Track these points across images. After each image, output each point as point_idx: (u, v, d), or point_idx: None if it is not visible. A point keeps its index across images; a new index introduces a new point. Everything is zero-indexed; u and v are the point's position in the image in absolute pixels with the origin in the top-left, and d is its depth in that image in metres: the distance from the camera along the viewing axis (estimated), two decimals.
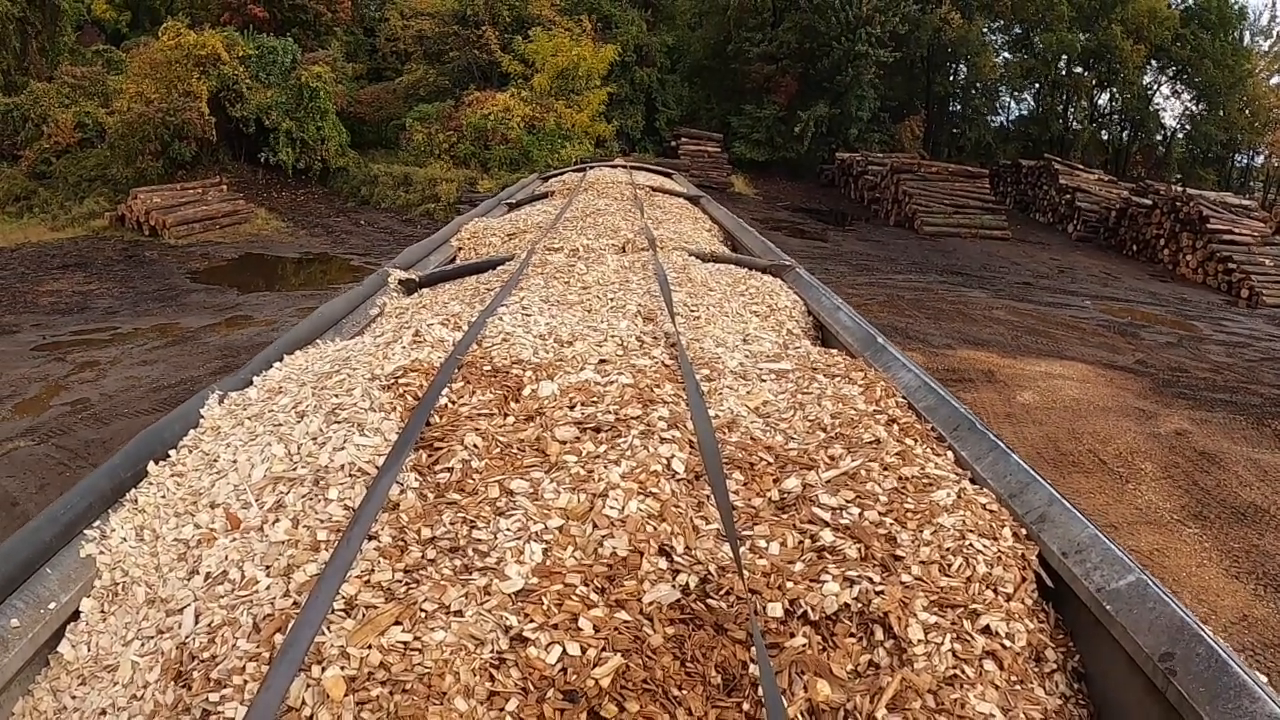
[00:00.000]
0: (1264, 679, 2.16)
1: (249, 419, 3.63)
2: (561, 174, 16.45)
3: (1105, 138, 53.41)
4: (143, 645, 2.53)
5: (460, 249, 8.63)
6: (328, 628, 2.30)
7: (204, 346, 17.32)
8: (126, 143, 33.45)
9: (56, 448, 12.23)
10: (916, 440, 3.54)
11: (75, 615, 2.73)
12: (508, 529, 2.63)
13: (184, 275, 24.59)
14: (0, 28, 37.33)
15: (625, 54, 42.09)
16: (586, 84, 38.73)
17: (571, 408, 3.48)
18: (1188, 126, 51.51)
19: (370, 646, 2.24)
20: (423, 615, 2.31)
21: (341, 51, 46.10)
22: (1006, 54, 52.33)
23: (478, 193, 31.50)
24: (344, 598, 2.40)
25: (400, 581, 2.46)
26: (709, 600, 2.44)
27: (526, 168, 31.89)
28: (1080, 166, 43.53)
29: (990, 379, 16.14)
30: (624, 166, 16.80)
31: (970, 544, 2.79)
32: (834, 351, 4.80)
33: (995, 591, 2.65)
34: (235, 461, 3.25)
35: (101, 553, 2.89)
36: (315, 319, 5.42)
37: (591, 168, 16.41)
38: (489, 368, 3.83)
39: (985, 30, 49.68)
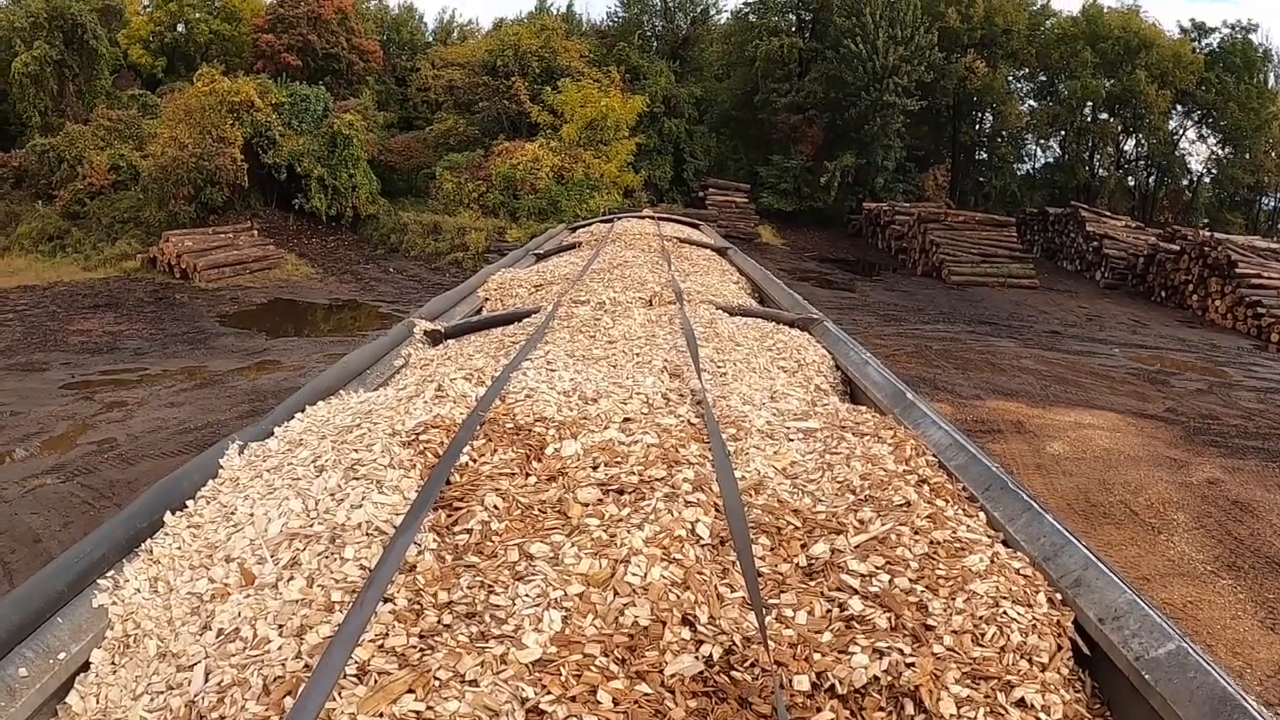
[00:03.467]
0: None
1: (268, 471, 3.59)
2: (589, 225, 16.54)
3: (1132, 183, 53.41)
4: (151, 700, 2.48)
5: (487, 300, 8.65)
6: (338, 693, 2.23)
7: (231, 390, 17.42)
8: (159, 186, 33.97)
9: (82, 486, 12.31)
10: (948, 501, 3.46)
11: (85, 666, 2.69)
12: (526, 595, 2.57)
13: (213, 318, 24.84)
14: (39, 70, 38.16)
15: (653, 105, 42.49)
16: (615, 134, 39.04)
17: (595, 468, 3.42)
18: (1214, 170, 51.53)
19: (381, 715, 2.17)
20: (437, 684, 2.25)
21: (373, 100, 46.77)
22: (1032, 102, 52.54)
23: (506, 242, 31.72)
24: (356, 662, 2.34)
25: (415, 647, 2.40)
26: (733, 672, 2.37)
27: (555, 217, 32.11)
28: (1107, 213, 43.49)
29: (1020, 429, 16.02)
30: (651, 218, 16.84)
31: (1004, 611, 2.71)
32: (863, 409, 4.72)
33: (1030, 661, 2.57)
34: (252, 515, 3.21)
35: (114, 603, 2.85)
36: (339, 369, 5.40)
37: (619, 219, 16.48)
38: (511, 425, 3.77)
39: (1010, 78, 49.92)
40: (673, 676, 2.32)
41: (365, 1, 56.14)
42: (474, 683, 2.24)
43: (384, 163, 41.52)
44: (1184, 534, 12.00)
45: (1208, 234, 34.77)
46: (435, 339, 6.48)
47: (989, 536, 3.22)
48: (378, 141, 41.76)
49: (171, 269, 29.41)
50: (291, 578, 2.79)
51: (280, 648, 2.48)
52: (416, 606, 2.56)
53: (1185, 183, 52.96)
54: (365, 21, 52.59)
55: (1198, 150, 53.02)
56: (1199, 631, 9.54)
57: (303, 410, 4.40)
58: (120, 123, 38.01)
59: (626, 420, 3.98)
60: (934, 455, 3.94)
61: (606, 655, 2.35)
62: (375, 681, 2.27)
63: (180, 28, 49.94)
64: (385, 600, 2.58)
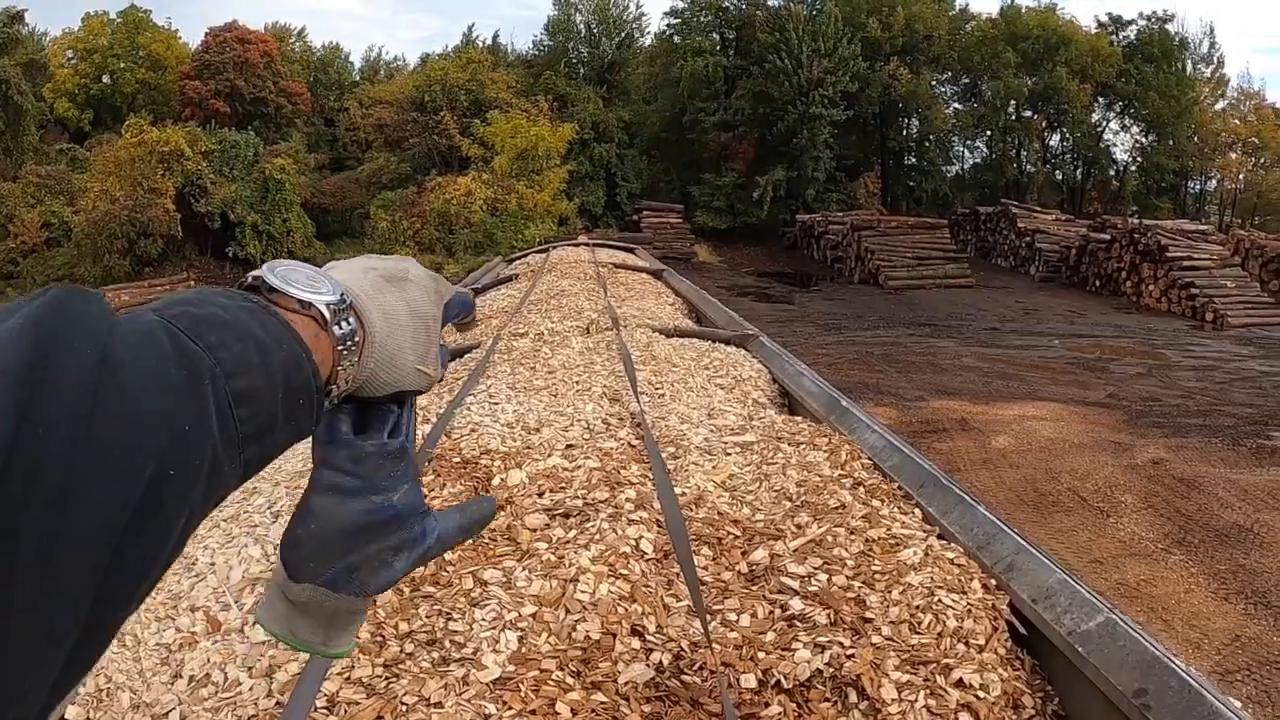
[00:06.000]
0: (1237, 704, 2.19)
1: (224, 520, 3.65)
2: (526, 255, 16.54)
3: (1059, 177, 54.34)
4: None
5: None
6: None
7: None
8: (93, 241, 33.61)
9: None
10: (883, 501, 3.58)
11: None
12: (483, 619, 2.66)
13: None
14: None
15: (583, 131, 42.57)
16: (546, 163, 39.09)
17: (540, 495, 3.51)
18: (1139, 159, 52.57)
19: None
20: (404, 709, 2.34)
21: (303, 143, 46.62)
22: (956, 104, 53.26)
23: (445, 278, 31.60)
24: (326, 695, 2.42)
25: (380, 676, 2.49)
26: (683, 676, 2.48)
27: (491, 250, 32.10)
28: (1037, 208, 44.11)
29: (964, 427, 16.19)
30: (587, 245, 16.90)
31: (939, 600, 2.83)
32: (799, 419, 4.84)
33: (967, 644, 2.68)
34: (213, 564, 3.27)
35: None
36: None
37: (555, 248, 16.51)
38: (458, 459, 3.86)
39: (933, 83, 50.54)
40: (626, 684, 2.42)
41: (290, 44, 55.91)
42: (439, 705, 2.34)
43: (317, 205, 41.33)
44: (1133, 515, 12.17)
45: (1137, 221, 35.34)
46: None
47: (924, 531, 3.34)
48: (310, 184, 41.60)
49: None
50: (257, 621, 2.86)
51: (251, 688, 2.55)
52: (379, 638, 2.65)
53: (1112, 173, 53.97)
54: (291, 64, 52.39)
55: (1122, 140, 54.08)
56: (1154, 608, 9.69)
57: None
58: (50, 179, 37.63)
59: (569, 447, 4.07)
60: (869, 458, 4.06)
61: (562, 669, 2.46)
62: (345, 711, 2.36)
63: (106, 79, 49.50)
64: None
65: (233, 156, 38.26)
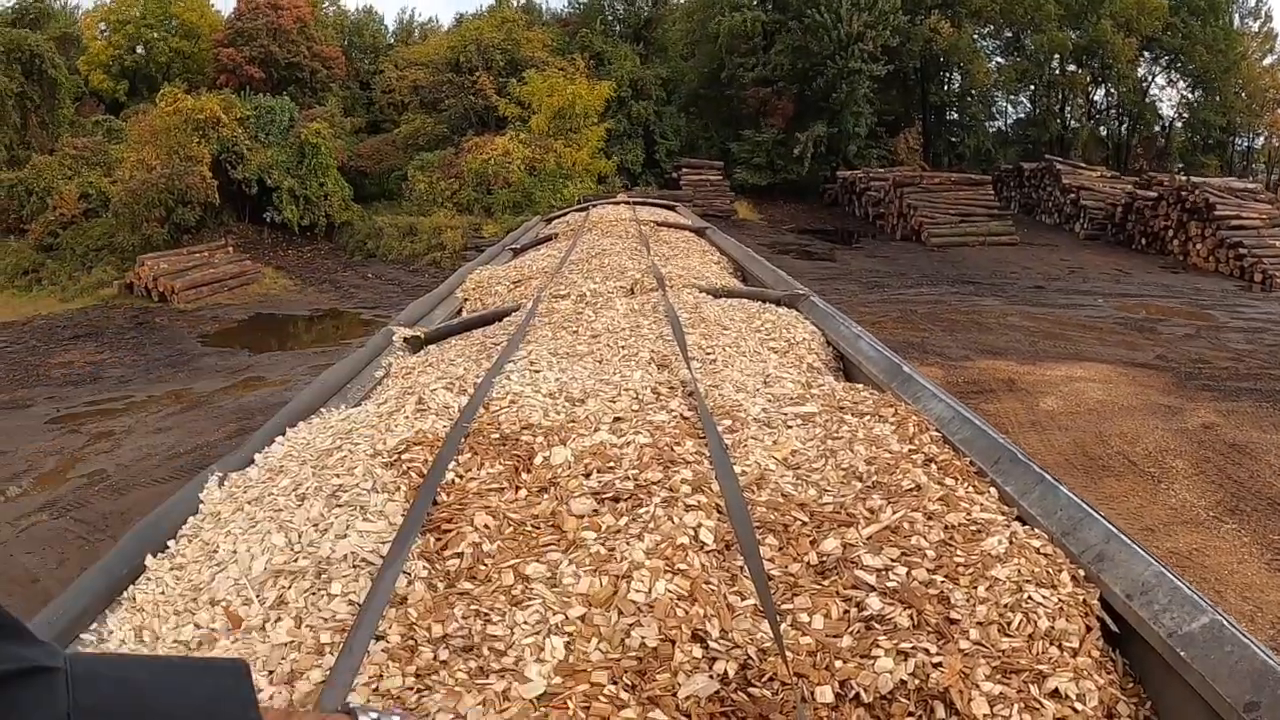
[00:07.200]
0: None
1: (249, 503, 3.40)
2: (565, 214, 16.32)
3: (1104, 133, 53.57)
4: None
5: (466, 300, 8.45)
6: None
7: (218, 410, 17.28)
8: (131, 210, 33.71)
9: (75, 521, 12.21)
10: (957, 480, 3.30)
11: None
12: (525, 622, 2.39)
13: (195, 340, 24.68)
14: None
15: (620, 89, 42.31)
16: (584, 122, 38.90)
17: (587, 475, 3.22)
18: (1186, 115, 51.77)
19: None
20: None
21: (339, 106, 46.75)
22: (999, 58, 52.68)
23: (483, 238, 31.58)
24: None
25: (411, 688, 2.23)
26: (751, 689, 2.21)
27: (530, 210, 31.97)
28: (1082, 164, 43.61)
29: (1011, 388, 15.96)
30: (626, 203, 16.63)
31: (1029, 596, 2.55)
32: (860, 386, 4.55)
33: (1060, 648, 2.42)
34: (235, 552, 3.02)
35: None
36: (318, 386, 5.23)
37: (594, 206, 16.25)
38: (497, 435, 3.58)
39: (975, 36, 49.94)
40: (688, 699, 2.16)
41: (323, 8, 55.91)
42: None
43: (354, 168, 41.38)
44: (1184, 481, 11.98)
45: (1184, 178, 34.75)
46: (415, 345, 6.31)
47: (1004, 514, 3.06)
48: (346, 147, 41.63)
49: (149, 293, 29.23)
50: (279, 618, 2.61)
51: (272, 697, 2.31)
52: (410, 642, 2.40)
53: (1158, 129, 53.23)
54: (325, 28, 52.48)
55: (1168, 96, 53.35)
56: (1206, 578, 9.52)
57: (282, 433, 4.20)
58: (86, 150, 37.86)
59: (617, 420, 3.77)
60: (937, 430, 3.78)
61: (615, 682, 2.19)
62: None
63: (139, 49, 49.69)
64: (378, 638, 2.42)
65: (268, 122, 38.27)
